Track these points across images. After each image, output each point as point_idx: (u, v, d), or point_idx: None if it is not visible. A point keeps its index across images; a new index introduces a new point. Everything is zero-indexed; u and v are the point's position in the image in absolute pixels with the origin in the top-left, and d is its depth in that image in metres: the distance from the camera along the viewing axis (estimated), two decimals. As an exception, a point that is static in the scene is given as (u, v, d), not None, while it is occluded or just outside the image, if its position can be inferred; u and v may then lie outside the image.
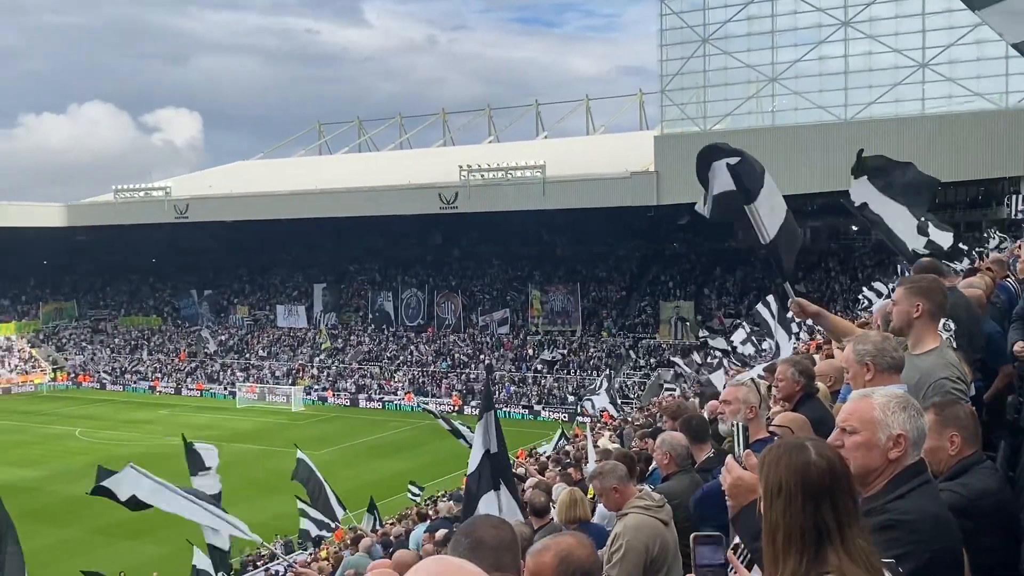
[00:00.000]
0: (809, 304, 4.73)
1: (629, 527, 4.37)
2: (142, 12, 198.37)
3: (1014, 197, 43.95)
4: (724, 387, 11.19)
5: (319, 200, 55.56)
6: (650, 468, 7.42)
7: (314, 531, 19.56)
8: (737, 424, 3.23)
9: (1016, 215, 41.82)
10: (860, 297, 33.84)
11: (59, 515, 31.04)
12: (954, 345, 5.02)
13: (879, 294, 21.76)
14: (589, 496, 6.56)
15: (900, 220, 7.22)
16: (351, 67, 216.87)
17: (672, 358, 47.10)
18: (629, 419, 19.32)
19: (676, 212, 52.46)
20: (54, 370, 65.44)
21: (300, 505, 19.58)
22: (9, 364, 64.78)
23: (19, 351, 66.87)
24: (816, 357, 7.97)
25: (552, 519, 6.42)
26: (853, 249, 52.19)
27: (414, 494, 25.17)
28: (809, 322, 13.49)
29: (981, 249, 20.60)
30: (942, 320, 5.08)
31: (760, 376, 7.73)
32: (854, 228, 50.99)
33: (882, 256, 44.26)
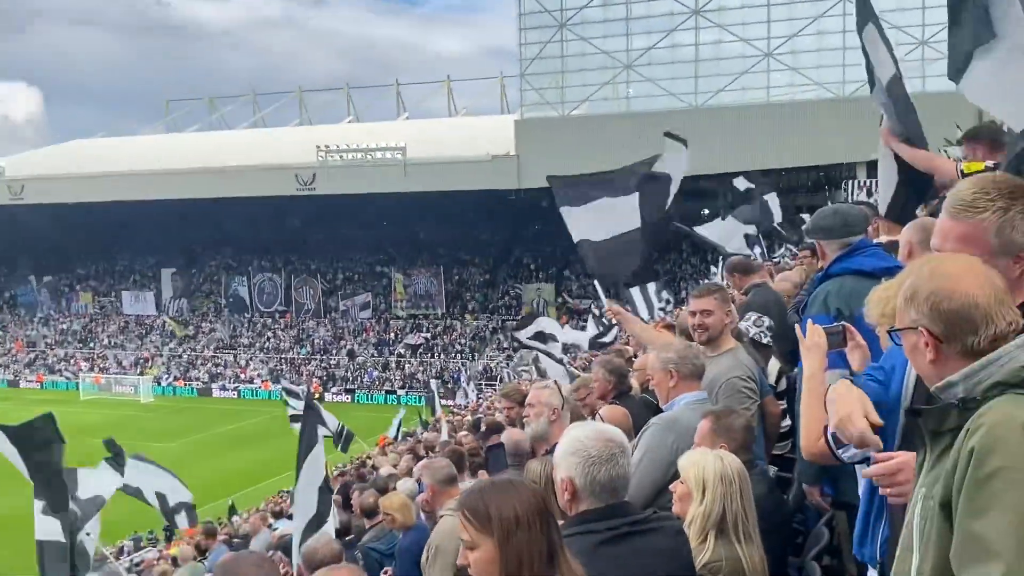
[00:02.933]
0: (620, 309, 4.84)
1: (439, 531, 4.38)
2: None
3: (851, 182, 46.74)
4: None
5: (166, 180, 53.05)
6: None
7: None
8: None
9: (852, 199, 44.53)
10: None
11: None
12: (768, 341, 5.19)
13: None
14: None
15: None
16: (204, 42, 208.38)
17: (516, 334, 47.77)
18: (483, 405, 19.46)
19: (537, 195, 53.10)
20: None
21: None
22: None
23: None
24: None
25: (381, 520, 6.29)
26: (704, 231, 54.33)
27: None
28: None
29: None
30: (754, 316, 5.25)
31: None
32: (704, 212, 52.96)
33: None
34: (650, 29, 44.61)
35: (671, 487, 2.99)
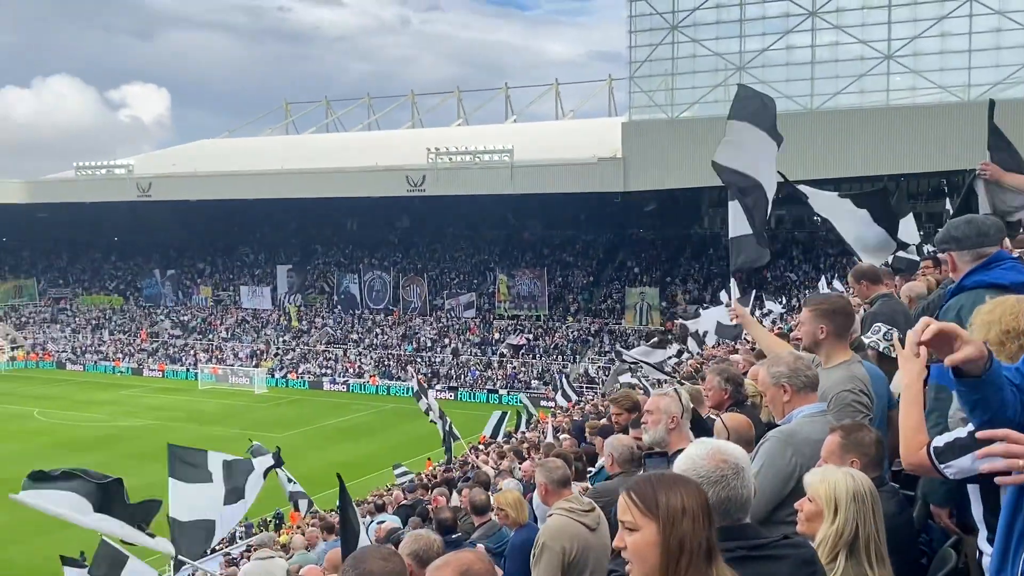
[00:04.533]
0: (744, 311, 4.79)
1: (548, 527, 4.46)
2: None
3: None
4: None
5: (285, 180, 55.01)
6: (597, 466, 7.40)
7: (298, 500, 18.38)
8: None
9: (977, 209, 42.51)
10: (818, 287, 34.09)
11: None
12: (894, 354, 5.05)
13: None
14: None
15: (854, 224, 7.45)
16: (322, 46, 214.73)
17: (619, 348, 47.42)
18: (585, 408, 19.41)
19: (643, 198, 52.67)
20: (12, 349, 64.32)
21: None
22: (-35, 343, 63.59)
23: (-24, 329, 65.64)
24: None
25: (491, 518, 6.40)
26: (816, 238, 52.71)
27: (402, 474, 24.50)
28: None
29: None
30: (883, 328, 5.11)
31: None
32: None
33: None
34: (765, 31, 43.65)
35: (796, 505, 2.92)
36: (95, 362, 61.81)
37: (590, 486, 6.53)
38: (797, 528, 2.86)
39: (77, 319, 67.84)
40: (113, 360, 61.50)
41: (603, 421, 9.31)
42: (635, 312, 52.71)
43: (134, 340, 63.77)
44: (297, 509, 19.26)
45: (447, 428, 20.11)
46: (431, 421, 20.99)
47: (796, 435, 3.56)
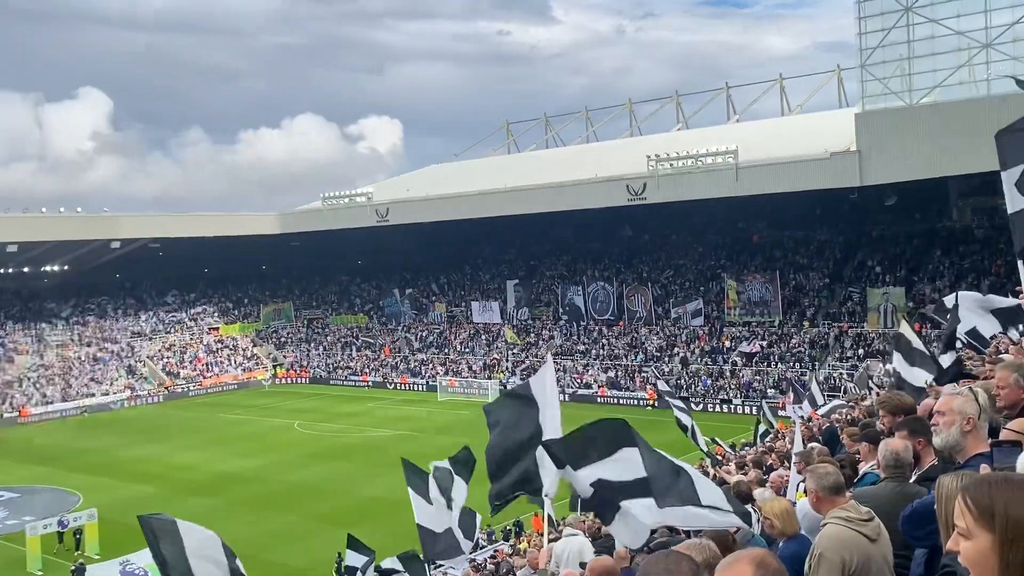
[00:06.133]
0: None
1: (825, 536, 4.16)
2: (344, 28, 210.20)
3: None
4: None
5: (508, 198, 56.68)
6: (860, 473, 6.94)
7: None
8: None
9: None
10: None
11: (281, 501, 33.48)
12: None
13: None
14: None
15: None
16: (539, 64, 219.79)
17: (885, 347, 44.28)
18: (834, 416, 18.30)
19: (882, 192, 49.34)
20: (274, 366, 70.74)
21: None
22: (235, 362, 70.67)
23: (243, 350, 72.84)
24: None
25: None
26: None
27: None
28: None
29: None
30: None
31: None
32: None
33: None
34: (1014, 2, 39.64)
35: None
36: (345, 377, 66.58)
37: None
38: None
39: (328, 338, 73.45)
40: (361, 375, 65.94)
41: (868, 425, 8.69)
42: (879, 314, 49.33)
43: (378, 355, 68.04)
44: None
45: (694, 433, 19.44)
46: (682, 426, 19.86)
47: None
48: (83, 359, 65.44)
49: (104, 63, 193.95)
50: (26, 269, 68.49)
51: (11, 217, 59.11)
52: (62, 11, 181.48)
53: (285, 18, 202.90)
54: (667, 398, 21.10)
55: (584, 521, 13.37)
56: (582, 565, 6.96)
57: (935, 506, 2.40)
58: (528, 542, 19.94)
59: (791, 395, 33.54)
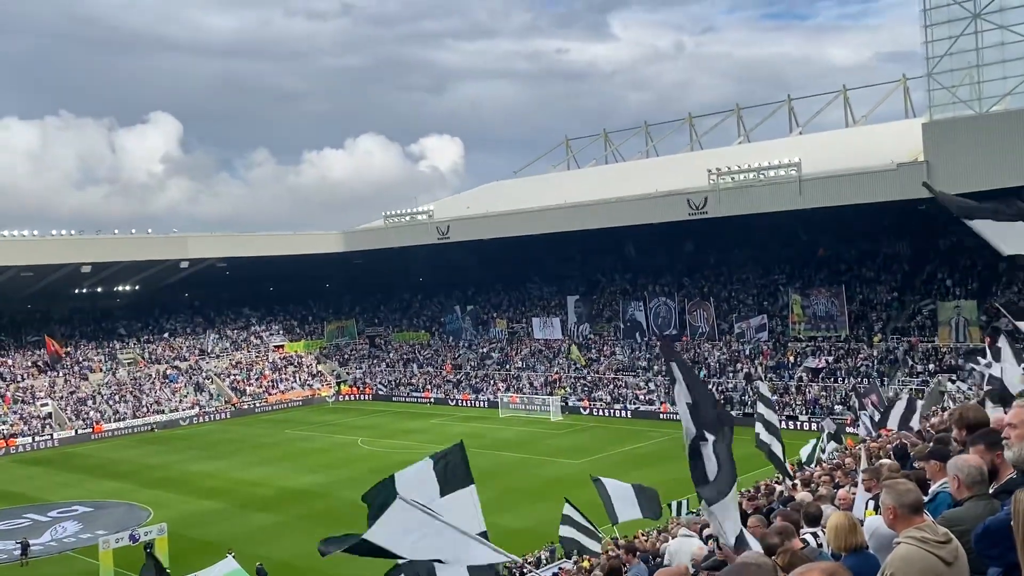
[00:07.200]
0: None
1: (897, 557, 4.01)
2: (404, 49, 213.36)
3: None
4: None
5: (568, 214, 56.66)
6: (931, 492, 6.72)
7: (582, 540, 18.74)
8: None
9: None
10: None
11: (344, 518, 33.76)
12: None
13: None
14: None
15: None
16: (599, 81, 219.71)
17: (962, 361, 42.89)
18: (903, 434, 17.78)
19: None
20: (338, 383, 71.68)
21: (567, 510, 18.82)
22: (299, 379, 71.83)
23: (307, 367, 73.98)
24: None
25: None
26: None
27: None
28: None
29: None
30: None
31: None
32: None
33: None
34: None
35: None
36: (407, 393, 67.11)
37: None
38: None
39: (391, 355, 74.17)
40: (423, 391, 66.41)
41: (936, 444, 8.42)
42: (950, 328, 47.93)
43: (440, 372, 68.45)
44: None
45: (775, 450, 18.47)
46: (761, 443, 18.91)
47: None
48: (153, 376, 67.21)
49: (174, 88, 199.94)
50: (99, 289, 70.68)
51: (85, 239, 61.20)
52: (133, 40, 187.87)
53: (347, 41, 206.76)
54: (761, 406, 19.85)
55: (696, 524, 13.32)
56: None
57: (1011, 522, 2.32)
58: (589, 561, 19.70)
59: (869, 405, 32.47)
